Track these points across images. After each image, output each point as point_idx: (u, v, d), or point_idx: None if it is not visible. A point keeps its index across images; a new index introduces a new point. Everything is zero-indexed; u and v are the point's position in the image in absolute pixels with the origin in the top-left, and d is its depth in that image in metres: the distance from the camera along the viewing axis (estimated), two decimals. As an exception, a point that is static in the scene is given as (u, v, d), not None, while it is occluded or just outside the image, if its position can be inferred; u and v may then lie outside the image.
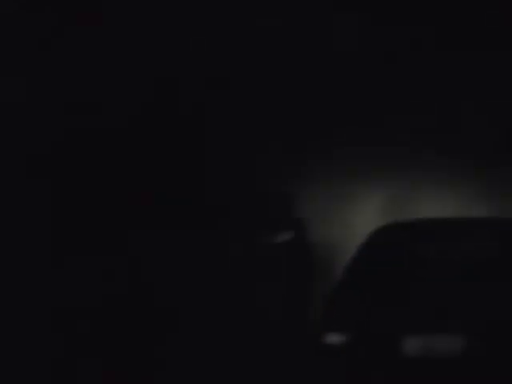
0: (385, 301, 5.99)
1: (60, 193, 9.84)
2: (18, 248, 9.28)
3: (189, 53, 11.18)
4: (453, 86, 11.16)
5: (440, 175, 11.05)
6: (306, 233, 9.67)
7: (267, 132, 10.99)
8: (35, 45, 10.39)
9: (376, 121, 11.12)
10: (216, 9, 11.22)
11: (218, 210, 9.89)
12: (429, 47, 11.20)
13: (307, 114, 11.15)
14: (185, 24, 11.23)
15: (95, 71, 10.85)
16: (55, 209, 9.76)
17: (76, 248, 9.18)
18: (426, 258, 6.50)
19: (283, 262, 8.82)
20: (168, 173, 10.34)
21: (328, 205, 10.81)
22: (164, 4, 11.31)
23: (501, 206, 11.00)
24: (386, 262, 6.49)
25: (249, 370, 6.91)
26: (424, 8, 11.16)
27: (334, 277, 8.70)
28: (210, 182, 10.29)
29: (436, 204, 10.84)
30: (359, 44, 11.17)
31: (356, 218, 10.57)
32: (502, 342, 5.54)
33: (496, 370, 5.53)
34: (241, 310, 8.43)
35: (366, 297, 6.12)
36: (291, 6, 11.25)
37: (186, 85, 11.03)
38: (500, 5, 10.96)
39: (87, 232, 9.45)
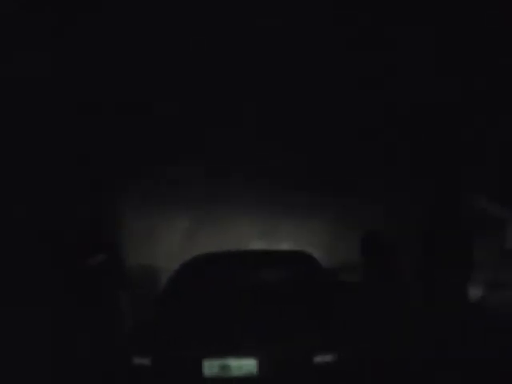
0: (188, 325, 6.81)
1: None
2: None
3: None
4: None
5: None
6: (119, 256, 9.71)
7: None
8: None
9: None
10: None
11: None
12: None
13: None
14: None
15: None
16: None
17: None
18: (223, 286, 7.32)
19: (95, 285, 8.93)
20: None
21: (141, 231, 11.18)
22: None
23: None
24: (189, 292, 7.25)
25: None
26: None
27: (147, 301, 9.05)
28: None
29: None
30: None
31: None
32: (288, 362, 6.43)
33: None
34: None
35: (171, 321, 6.91)
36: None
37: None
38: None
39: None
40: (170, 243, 11.25)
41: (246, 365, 6.31)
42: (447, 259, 8.84)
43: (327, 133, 11.37)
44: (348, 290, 7.99)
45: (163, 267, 9.97)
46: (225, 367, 6.31)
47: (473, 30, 11.06)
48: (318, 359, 6.39)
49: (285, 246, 11.30)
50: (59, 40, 10.70)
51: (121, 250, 9.79)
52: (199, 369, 6.35)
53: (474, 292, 9.43)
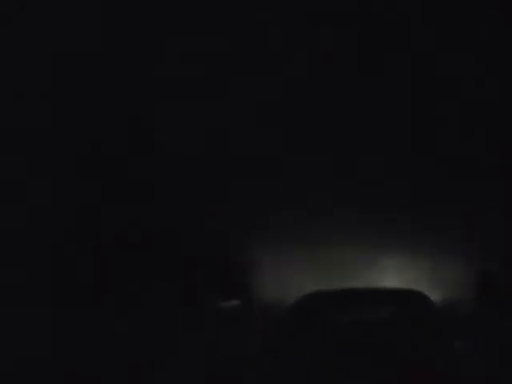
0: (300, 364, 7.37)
1: None
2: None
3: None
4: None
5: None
6: (252, 302, 10.28)
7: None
8: None
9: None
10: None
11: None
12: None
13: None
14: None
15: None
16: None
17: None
18: (332, 328, 7.75)
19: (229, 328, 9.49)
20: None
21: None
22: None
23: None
24: (296, 333, 7.77)
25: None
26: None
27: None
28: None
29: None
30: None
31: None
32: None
33: None
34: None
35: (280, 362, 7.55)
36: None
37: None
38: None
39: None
40: (279, 278, 10.97)
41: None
42: None
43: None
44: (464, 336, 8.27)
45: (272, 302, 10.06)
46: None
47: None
48: None
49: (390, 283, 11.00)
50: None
51: (253, 293, 10.21)
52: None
53: None
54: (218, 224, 11.14)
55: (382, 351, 7.49)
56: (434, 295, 9.33)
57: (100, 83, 11.65)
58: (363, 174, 11.54)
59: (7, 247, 10.18)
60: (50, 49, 11.19)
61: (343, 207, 11.03)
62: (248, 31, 11.69)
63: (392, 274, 11.00)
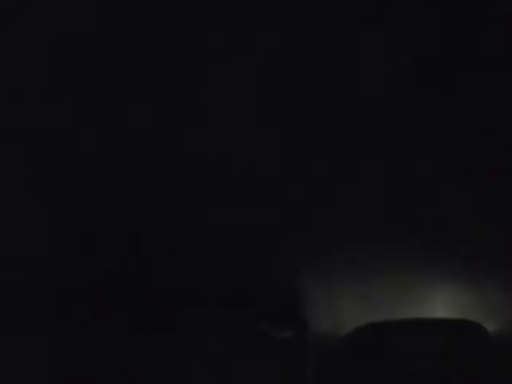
0: None
1: None
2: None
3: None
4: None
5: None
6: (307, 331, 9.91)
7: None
8: None
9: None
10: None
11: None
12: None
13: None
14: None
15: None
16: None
17: None
18: (392, 356, 8.10)
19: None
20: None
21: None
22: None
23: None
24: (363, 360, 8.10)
25: None
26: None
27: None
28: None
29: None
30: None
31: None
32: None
33: None
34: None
35: None
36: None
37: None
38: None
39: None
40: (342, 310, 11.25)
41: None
42: None
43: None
44: None
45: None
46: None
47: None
48: None
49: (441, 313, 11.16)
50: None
51: (308, 326, 10.00)
52: None
53: None
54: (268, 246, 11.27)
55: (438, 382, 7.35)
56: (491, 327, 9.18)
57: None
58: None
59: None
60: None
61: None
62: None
63: (448, 303, 10.90)
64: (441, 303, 10.75)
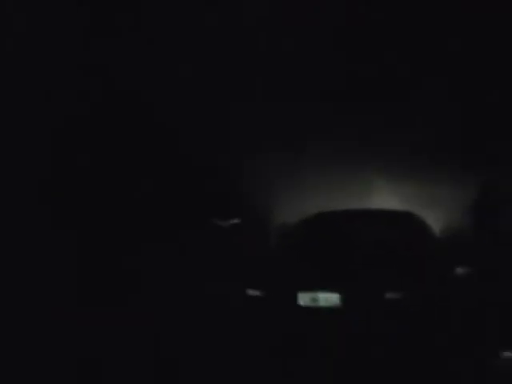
0: (292, 267, 8.66)
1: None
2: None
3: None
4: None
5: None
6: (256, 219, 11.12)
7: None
8: None
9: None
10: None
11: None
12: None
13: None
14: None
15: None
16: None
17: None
18: (333, 237, 9.00)
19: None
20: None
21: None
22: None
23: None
24: (303, 239, 9.12)
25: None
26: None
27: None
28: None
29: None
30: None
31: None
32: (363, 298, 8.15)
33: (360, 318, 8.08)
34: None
35: (282, 264, 8.82)
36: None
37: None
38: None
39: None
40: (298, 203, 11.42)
41: (331, 298, 8.15)
42: None
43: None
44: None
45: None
46: (315, 299, 8.20)
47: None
48: (389, 296, 8.02)
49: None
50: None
51: (260, 211, 11.00)
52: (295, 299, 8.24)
53: None
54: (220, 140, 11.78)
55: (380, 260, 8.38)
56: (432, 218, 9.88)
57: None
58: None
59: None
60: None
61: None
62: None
63: (389, 195, 11.56)
64: (385, 195, 11.73)
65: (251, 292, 8.40)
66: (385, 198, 11.59)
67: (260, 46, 12.16)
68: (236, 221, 10.82)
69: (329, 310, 8.15)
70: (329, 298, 8.15)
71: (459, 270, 8.66)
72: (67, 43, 11.26)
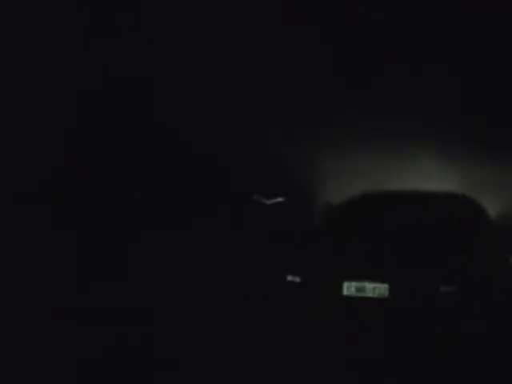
0: (339, 251, 7.90)
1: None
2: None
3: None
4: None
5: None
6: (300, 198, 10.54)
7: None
8: None
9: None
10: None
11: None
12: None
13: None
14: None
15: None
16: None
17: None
18: (382, 222, 8.36)
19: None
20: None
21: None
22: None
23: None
24: (349, 224, 8.32)
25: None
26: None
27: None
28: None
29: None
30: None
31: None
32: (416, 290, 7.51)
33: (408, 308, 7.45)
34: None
35: (325, 249, 8.04)
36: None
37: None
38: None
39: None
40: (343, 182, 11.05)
41: (379, 287, 7.47)
42: None
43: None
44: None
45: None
46: (361, 289, 7.55)
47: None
48: (443, 289, 7.33)
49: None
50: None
51: (305, 190, 10.23)
52: (340, 289, 7.56)
53: None
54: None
55: (430, 250, 7.70)
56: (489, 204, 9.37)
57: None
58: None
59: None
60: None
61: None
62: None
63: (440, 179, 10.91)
64: (439, 178, 10.38)
65: (291, 278, 7.66)
66: (437, 178, 11.02)
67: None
68: (280, 199, 10.17)
69: (376, 302, 7.39)
70: (377, 289, 7.40)
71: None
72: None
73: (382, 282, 7.39)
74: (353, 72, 11.36)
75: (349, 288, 7.46)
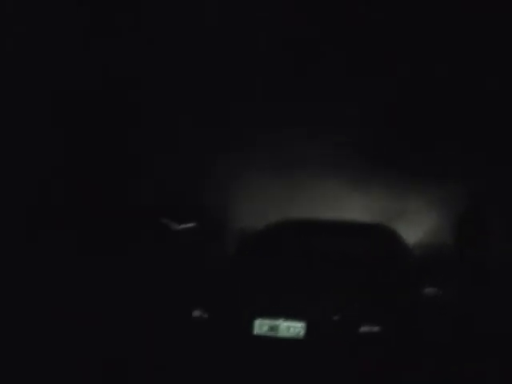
0: (248, 283, 7.22)
1: None
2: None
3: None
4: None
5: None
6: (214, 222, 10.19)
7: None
8: None
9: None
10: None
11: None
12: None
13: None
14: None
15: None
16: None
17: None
18: (294, 252, 7.72)
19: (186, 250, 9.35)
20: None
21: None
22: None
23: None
24: (260, 252, 7.67)
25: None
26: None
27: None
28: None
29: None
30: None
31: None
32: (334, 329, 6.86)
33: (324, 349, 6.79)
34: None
35: (235, 278, 7.36)
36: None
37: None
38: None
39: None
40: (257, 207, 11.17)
41: (294, 327, 6.78)
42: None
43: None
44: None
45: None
46: (274, 328, 6.80)
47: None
48: (364, 329, 6.67)
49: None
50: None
51: (218, 214, 9.86)
52: (250, 327, 6.78)
53: None
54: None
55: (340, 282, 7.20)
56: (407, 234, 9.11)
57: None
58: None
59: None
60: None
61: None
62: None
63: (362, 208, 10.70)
64: (357, 207, 10.12)
65: (197, 313, 6.87)
66: (354, 207, 11.10)
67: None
68: (191, 224, 9.58)
69: (290, 342, 6.67)
70: (291, 328, 6.69)
71: (429, 291, 7.66)
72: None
73: (297, 320, 6.69)
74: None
75: (261, 326, 6.72)
